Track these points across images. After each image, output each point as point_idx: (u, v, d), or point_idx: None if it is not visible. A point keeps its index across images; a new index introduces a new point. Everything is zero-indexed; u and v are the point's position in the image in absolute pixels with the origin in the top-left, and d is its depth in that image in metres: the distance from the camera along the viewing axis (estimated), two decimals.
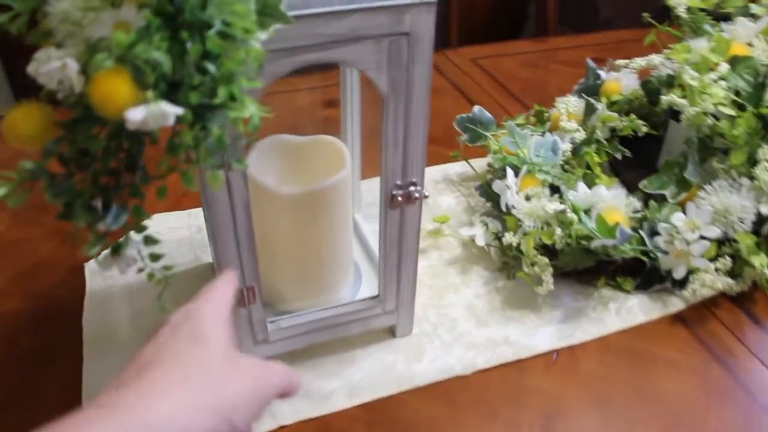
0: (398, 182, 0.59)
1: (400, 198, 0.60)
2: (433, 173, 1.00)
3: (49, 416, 0.37)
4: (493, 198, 0.85)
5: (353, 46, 0.50)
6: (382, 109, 0.55)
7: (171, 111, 0.36)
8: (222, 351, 0.43)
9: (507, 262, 0.83)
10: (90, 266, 0.83)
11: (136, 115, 0.35)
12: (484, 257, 0.85)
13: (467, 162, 0.94)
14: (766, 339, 0.76)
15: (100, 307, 0.77)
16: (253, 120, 0.42)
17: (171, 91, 0.37)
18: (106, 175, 0.40)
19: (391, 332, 0.74)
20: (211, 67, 0.38)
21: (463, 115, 0.93)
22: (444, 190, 0.97)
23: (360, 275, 0.76)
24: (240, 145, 0.46)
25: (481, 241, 0.81)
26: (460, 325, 0.76)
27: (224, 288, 0.49)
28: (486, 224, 0.82)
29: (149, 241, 0.44)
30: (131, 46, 0.35)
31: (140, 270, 0.46)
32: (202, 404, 0.39)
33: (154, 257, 0.45)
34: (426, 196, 0.61)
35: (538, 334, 0.75)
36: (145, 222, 0.43)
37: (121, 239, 0.42)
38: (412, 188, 0.60)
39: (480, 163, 0.97)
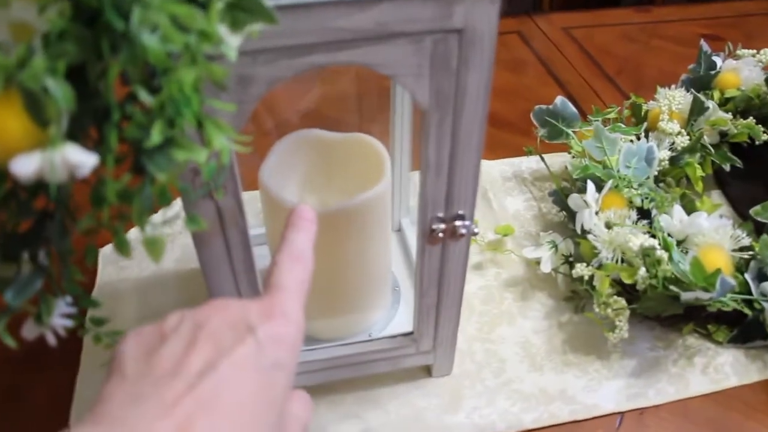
0: (440, 214, 0.47)
1: (441, 234, 0.47)
2: (502, 168, 0.86)
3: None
4: (568, 209, 0.72)
5: (382, 45, 0.37)
6: (422, 125, 0.42)
7: (81, 159, 0.25)
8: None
9: (576, 292, 0.69)
10: (104, 252, 0.74)
11: (25, 167, 0.24)
12: (550, 282, 0.71)
13: (542, 159, 0.80)
14: None
15: (108, 304, 0.68)
16: (224, 156, 0.30)
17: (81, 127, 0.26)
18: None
19: (426, 369, 0.63)
20: (142, 95, 0.26)
21: (542, 106, 0.78)
22: (513, 190, 0.83)
23: (399, 297, 0.65)
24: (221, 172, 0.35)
25: (547, 268, 0.68)
26: (510, 368, 0.63)
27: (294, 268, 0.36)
28: (555, 246, 0.69)
29: (87, 303, 0.34)
30: (19, 67, 0.24)
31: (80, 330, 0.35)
32: None
33: (96, 322, 0.35)
34: (475, 233, 0.48)
35: (603, 389, 0.62)
36: None
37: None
38: (458, 222, 0.47)
39: (559, 159, 0.83)
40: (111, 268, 0.72)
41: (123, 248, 0.28)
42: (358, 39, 0.37)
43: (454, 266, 0.51)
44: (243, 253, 0.46)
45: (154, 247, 0.28)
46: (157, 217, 0.30)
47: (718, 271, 0.59)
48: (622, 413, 0.61)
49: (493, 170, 0.85)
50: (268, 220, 0.57)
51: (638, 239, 0.60)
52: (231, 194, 0.43)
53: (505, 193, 0.82)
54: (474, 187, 0.46)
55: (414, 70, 0.39)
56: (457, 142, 0.43)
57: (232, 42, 0.29)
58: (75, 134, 0.26)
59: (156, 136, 0.26)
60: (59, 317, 0.32)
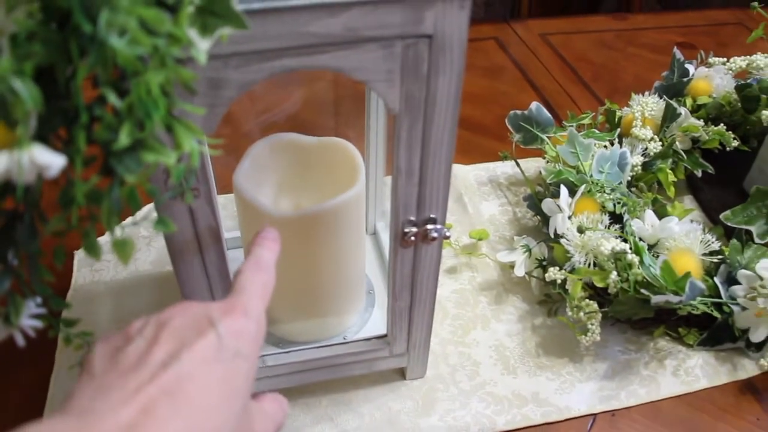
0: (412, 218, 0.47)
1: (413, 237, 0.48)
2: (477, 173, 0.87)
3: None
4: (542, 214, 0.72)
5: (352, 50, 0.38)
6: (394, 130, 0.43)
7: (49, 160, 0.25)
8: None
9: (550, 295, 0.70)
10: (80, 255, 0.74)
11: None
12: (524, 285, 0.72)
13: (517, 164, 0.80)
14: None
15: (83, 306, 0.68)
16: (193, 159, 0.30)
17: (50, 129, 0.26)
18: None
19: (401, 372, 0.63)
20: (111, 97, 0.26)
21: (518, 111, 0.79)
22: (488, 195, 0.84)
23: (373, 300, 0.65)
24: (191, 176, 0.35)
25: (520, 271, 0.69)
26: (484, 371, 0.64)
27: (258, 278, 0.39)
28: (529, 250, 0.69)
29: (57, 304, 0.34)
30: None
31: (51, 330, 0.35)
32: None
33: (67, 323, 0.35)
34: (447, 237, 0.49)
35: (575, 391, 0.63)
36: None
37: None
38: (429, 226, 0.48)
39: (534, 165, 0.84)
40: (86, 270, 0.72)
41: (93, 251, 0.29)
42: (328, 44, 0.37)
43: (426, 269, 0.51)
44: (216, 257, 0.46)
45: (123, 249, 0.29)
46: (128, 220, 0.30)
47: (687, 275, 0.60)
48: (594, 415, 0.61)
49: (469, 175, 0.86)
50: (243, 223, 0.57)
51: (610, 243, 0.61)
52: (204, 198, 0.43)
53: (481, 197, 0.83)
54: (445, 191, 0.46)
55: (385, 75, 0.39)
56: (428, 147, 0.43)
57: (201, 46, 0.30)
58: (44, 135, 0.26)
59: (124, 138, 0.26)
60: (28, 318, 0.32)
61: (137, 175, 0.28)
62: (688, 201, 0.84)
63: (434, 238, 0.48)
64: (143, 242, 0.76)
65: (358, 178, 0.54)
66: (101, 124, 0.27)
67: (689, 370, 0.65)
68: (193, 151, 0.30)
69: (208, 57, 0.29)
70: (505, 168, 0.87)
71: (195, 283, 0.47)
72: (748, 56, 0.80)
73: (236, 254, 0.65)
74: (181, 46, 0.27)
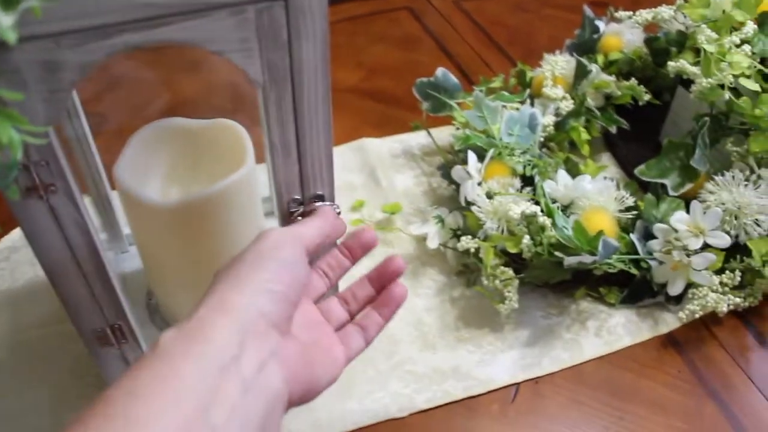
0: (297, 196, 0.44)
1: (300, 217, 0.45)
2: (391, 145, 0.84)
3: None
4: (456, 183, 0.70)
5: (199, 20, 0.34)
6: (262, 104, 0.40)
7: None
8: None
9: (467, 265, 0.68)
10: None
11: None
12: (441, 257, 0.70)
13: (429, 134, 0.78)
14: None
15: None
16: (14, 149, 0.27)
17: None
18: None
19: None
20: None
21: (424, 79, 0.76)
22: (402, 167, 0.81)
23: None
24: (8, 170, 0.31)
25: (433, 243, 0.66)
26: (402, 349, 0.62)
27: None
28: (441, 221, 0.67)
29: None
30: None
31: None
32: None
33: None
34: (338, 213, 0.46)
35: (497, 361, 0.61)
36: None
37: None
38: (317, 204, 0.45)
39: (446, 133, 0.81)
40: None
41: None
42: (172, 14, 0.34)
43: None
44: (90, 254, 0.43)
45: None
46: None
47: (599, 234, 0.58)
48: (517, 384, 0.60)
49: (382, 148, 0.83)
50: (131, 219, 0.53)
51: (519, 207, 0.59)
52: (64, 193, 0.40)
53: (395, 170, 0.80)
54: (329, 165, 0.44)
55: (239, 44, 0.36)
56: (302, 119, 0.41)
57: (4, 21, 0.26)
58: None
59: None
60: None
61: None
62: (606, 158, 0.83)
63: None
64: None
65: (245, 160, 0.51)
66: None
67: (612, 330, 0.64)
68: (12, 142, 0.27)
69: (23, 36, 0.26)
70: (419, 139, 0.84)
71: (71, 284, 0.44)
72: (653, 8, 0.79)
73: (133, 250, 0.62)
74: None
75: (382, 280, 0.47)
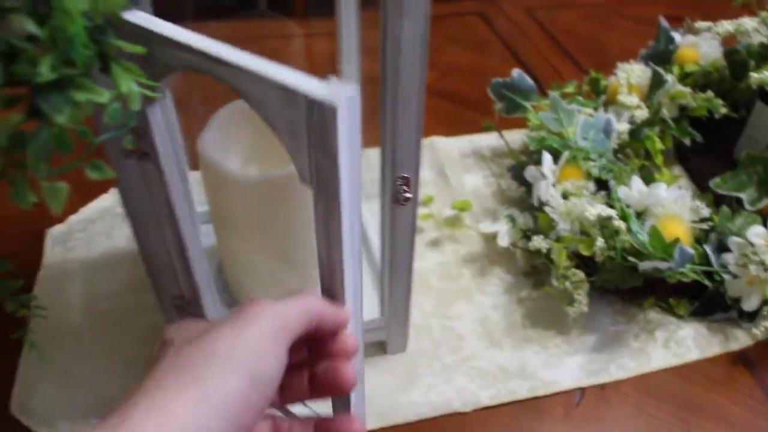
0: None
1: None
2: (461, 145, 0.84)
3: None
4: (526, 183, 0.70)
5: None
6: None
7: None
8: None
9: (536, 266, 0.68)
10: (52, 233, 0.71)
11: None
12: (509, 257, 0.69)
13: (501, 135, 0.78)
14: None
15: (54, 284, 0.66)
16: (132, 101, 0.28)
17: None
18: None
19: (382, 347, 0.61)
20: (30, 26, 0.23)
21: (500, 79, 0.76)
22: (472, 167, 0.81)
23: None
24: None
25: (504, 242, 0.66)
26: (468, 345, 0.62)
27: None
28: (513, 220, 0.67)
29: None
30: None
31: None
32: None
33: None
34: (407, 199, 0.46)
35: (563, 365, 0.61)
36: None
37: None
38: (401, 186, 0.45)
39: (518, 136, 0.81)
40: (59, 248, 0.69)
41: (22, 197, 0.26)
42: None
43: (401, 233, 0.49)
44: (170, 224, 0.44)
45: (55, 195, 0.26)
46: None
47: (676, 241, 0.57)
48: (582, 389, 0.59)
49: (452, 147, 0.83)
50: (210, 193, 0.54)
51: (595, 209, 0.59)
52: (152, 160, 0.40)
53: (464, 169, 0.80)
54: (417, 150, 0.44)
55: (289, 126, 0.34)
56: (396, 101, 0.41)
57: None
58: None
59: (45, 70, 0.24)
60: None
61: (67, 115, 0.25)
62: (677, 170, 0.82)
63: (408, 199, 0.46)
64: (118, 218, 0.73)
65: None
66: (22, 58, 0.24)
67: (680, 342, 0.63)
68: (131, 93, 0.28)
69: None
70: (489, 140, 0.84)
71: (157, 257, 0.45)
72: (735, 20, 0.77)
73: (207, 228, 0.63)
74: None
75: None
